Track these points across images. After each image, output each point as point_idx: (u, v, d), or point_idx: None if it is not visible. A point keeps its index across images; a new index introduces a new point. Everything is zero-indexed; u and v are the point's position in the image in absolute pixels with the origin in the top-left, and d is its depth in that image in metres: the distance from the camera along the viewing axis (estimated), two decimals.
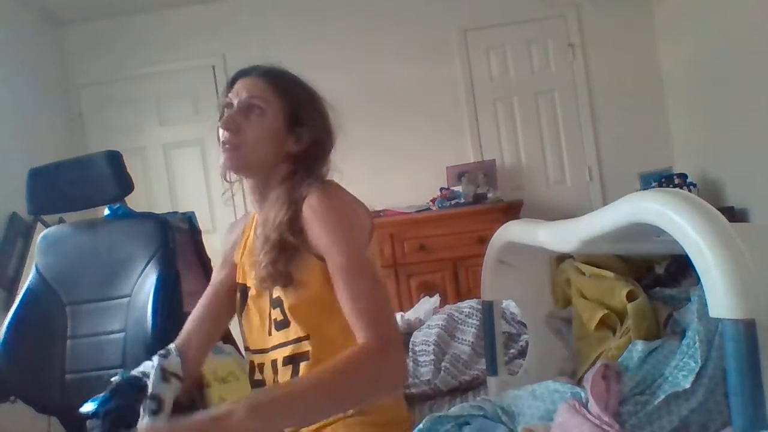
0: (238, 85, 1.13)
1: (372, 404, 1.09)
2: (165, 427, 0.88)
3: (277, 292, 1.11)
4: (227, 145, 1.09)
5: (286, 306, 1.10)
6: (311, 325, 1.09)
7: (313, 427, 1.09)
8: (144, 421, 1.01)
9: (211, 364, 1.56)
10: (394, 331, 0.96)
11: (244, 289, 1.21)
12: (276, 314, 1.12)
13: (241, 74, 1.15)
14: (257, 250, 1.11)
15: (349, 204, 1.09)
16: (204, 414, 0.82)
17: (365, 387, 0.91)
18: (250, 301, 1.19)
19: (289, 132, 1.12)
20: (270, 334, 1.14)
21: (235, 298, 1.27)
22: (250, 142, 1.09)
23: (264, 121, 1.10)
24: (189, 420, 0.81)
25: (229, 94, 1.13)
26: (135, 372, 1.10)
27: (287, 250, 1.06)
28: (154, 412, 1.03)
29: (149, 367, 1.11)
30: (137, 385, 1.07)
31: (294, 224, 1.06)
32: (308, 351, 1.09)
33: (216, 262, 1.35)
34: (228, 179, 1.19)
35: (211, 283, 1.31)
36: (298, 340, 1.10)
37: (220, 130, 1.11)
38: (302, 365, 1.10)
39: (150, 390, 1.05)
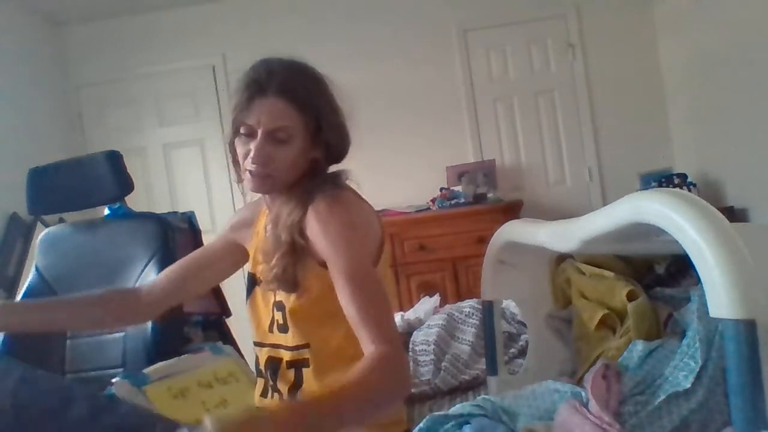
0: (257, 109, 1.04)
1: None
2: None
3: (279, 296, 1.11)
4: (257, 176, 1.06)
5: (287, 310, 1.09)
6: (310, 332, 1.09)
7: None
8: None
9: (210, 365, 1.56)
10: (400, 339, 0.95)
11: (252, 278, 1.21)
12: (278, 316, 1.12)
13: (258, 92, 1.05)
14: (269, 250, 1.10)
15: (359, 211, 1.08)
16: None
17: (390, 393, 0.89)
18: (257, 292, 1.19)
19: (314, 143, 1.10)
20: (271, 331, 1.14)
21: (217, 274, 1.30)
22: (282, 169, 1.07)
23: (292, 146, 1.06)
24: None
25: (249, 120, 1.04)
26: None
27: (297, 254, 1.05)
28: None
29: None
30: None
31: (302, 227, 1.05)
32: (308, 358, 1.09)
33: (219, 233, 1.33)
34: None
35: (202, 248, 1.32)
36: (298, 347, 1.10)
37: (248, 159, 1.05)
38: (304, 371, 1.10)
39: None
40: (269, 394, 1.15)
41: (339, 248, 0.99)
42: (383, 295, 0.98)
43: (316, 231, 1.03)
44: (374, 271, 1.01)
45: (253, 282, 1.20)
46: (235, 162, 1.12)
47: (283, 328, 1.11)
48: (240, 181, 1.13)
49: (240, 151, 1.08)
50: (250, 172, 1.06)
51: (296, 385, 1.11)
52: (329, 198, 1.04)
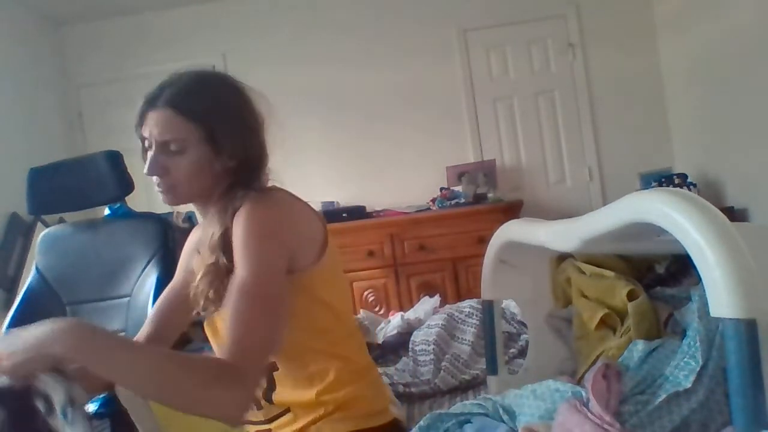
0: (148, 120, 1.08)
1: (338, 399, 1.07)
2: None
3: None
4: (161, 187, 1.07)
5: None
6: None
7: (297, 425, 1.09)
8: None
9: None
10: (253, 369, 0.88)
11: None
12: None
13: (149, 105, 1.09)
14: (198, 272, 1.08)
15: (287, 212, 1.05)
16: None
17: (191, 393, 0.84)
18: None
19: (216, 152, 1.06)
20: None
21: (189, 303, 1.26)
22: (182, 179, 1.05)
23: (186, 155, 1.05)
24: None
25: (144, 133, 1.08)
26: None
27: (223, 273, 1.01)
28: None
29: None
30: None
31: (227, 242, 1.02)
32: (275, 362, 1.08)
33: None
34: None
35: (168, 286, 1.29)
36: None
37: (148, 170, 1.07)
38: (275, 375, 1.09)
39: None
40: None
41: (244, 256, 0.95)
42: (267, 317, 0.92)
43: (234, 237, 0.99)
44: (273, 288, 0.95)
45: None
46: None
47: None
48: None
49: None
50: (156, 185, 1.08)
51: (270, 389, 1.10)
52: (252, 202, 1.01)
